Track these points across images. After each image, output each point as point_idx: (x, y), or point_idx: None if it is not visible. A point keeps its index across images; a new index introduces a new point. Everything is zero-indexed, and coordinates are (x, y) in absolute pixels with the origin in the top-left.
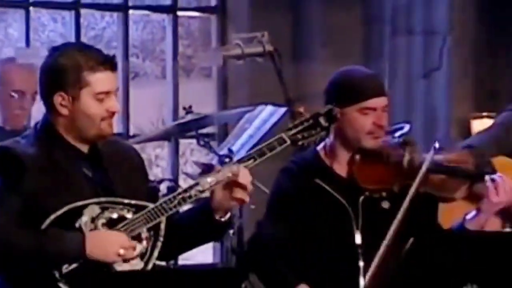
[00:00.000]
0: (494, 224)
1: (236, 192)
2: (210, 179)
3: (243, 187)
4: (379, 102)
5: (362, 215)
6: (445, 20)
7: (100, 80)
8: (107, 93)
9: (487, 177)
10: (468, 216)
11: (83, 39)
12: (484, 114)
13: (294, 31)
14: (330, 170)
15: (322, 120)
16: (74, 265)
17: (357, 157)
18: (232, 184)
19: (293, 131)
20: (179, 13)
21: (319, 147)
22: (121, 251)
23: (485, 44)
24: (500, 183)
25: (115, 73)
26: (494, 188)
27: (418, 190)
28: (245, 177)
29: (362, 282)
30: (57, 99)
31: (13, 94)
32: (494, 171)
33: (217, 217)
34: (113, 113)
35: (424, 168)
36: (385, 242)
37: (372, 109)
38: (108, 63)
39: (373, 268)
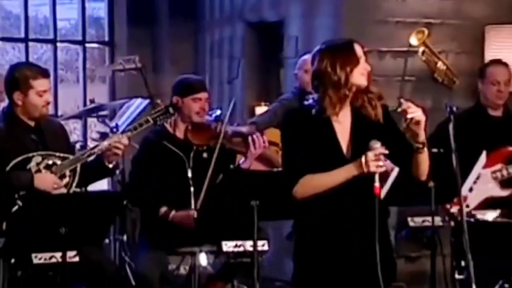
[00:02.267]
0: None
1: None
2: (106, 142)
3: (114, 151)
4: (204, 95)
5: (193, 162)
6: (240, 50)
7: (40, 84)
8: (44, 91)
9: (250, 137)
10: (241, 162)
11: (30, 60)
12: (263, 103)
13: (154, 55)
14: (172, 136)
15: (170, 109)
16: (25, 191)
17: (190, 127)
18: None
19: (154, 115)
20: (87, 44)
21: (166, 123)
22: (55, 185)
23: (263, 62)
24: (256, 140)
25: (48, 79)
26: (253, 143)
27: (224, 146)
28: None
29: (193, 201)
30: (15, 96)
31: None
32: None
33: (106, 165)
34: (48, 103)
35: (222, 132)
36: (207, 178)
37: (199, 99)
38: (44, 73)
39: (202, 195)
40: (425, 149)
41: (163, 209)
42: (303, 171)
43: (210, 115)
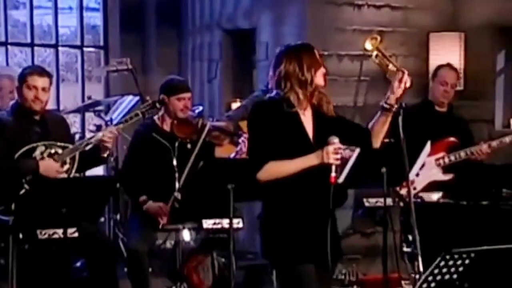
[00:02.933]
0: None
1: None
2: (101, 133)
3: (107, 141)
4: (187, 94)
5: (178, 151)
6: (217, 54)
7: (32, 79)
8: (35, 87)
9: (241, 138)
10: (232, 155)
11: (36, 63)
12: (237, 99)
13: (143, 58)
14: (160, 128)
15: (157, 104)
16: (31, 176)
17: (175, 121)
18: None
19: (143, 109)
20: (84, 49)
21: (155, 117)
22: (57, 171)
23: (237, 64)
24: (246, 142)
25: (43, 77)
26: (244, 144)
27: (204, 139)
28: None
29: (177, 184)
30: (18, 89)
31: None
32: (243, 133)
33: (101, 154)
34: (37, 98)
35: (207, 127)
36: (188, 165)
37: (182, 99)
38: (42, 72)
39: (183, 178)
40: (391, 111)
41: (142, 197)
42: (268, 157)
43: (193, 111)
